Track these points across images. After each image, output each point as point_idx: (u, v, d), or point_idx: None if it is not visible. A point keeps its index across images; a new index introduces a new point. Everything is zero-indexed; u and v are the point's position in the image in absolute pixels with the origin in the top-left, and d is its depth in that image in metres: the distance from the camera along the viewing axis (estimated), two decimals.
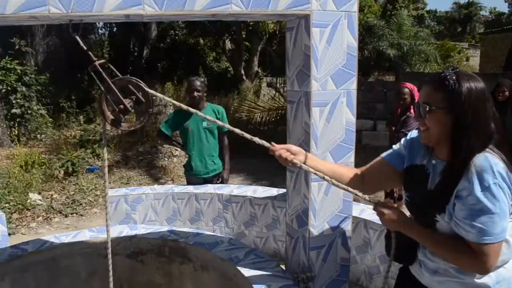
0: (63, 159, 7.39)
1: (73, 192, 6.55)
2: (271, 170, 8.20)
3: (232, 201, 3.99)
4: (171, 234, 2.73)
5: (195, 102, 4.19)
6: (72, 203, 6.16)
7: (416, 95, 4.76)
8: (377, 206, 1.66)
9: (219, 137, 4.36)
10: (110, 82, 1.62)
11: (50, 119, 10.86)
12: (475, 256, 1.45)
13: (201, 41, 18.41)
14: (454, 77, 1.48)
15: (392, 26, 15.50)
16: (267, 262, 2.33)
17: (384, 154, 1.83)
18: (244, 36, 16.09)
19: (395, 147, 1.82)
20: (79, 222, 5.64)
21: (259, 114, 9.93)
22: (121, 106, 1.63)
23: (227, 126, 1.88)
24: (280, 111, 9.57)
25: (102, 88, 1.65)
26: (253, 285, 2.09)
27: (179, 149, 8.31)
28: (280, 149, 1.78)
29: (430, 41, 17.07)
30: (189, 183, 4.37)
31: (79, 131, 9.75)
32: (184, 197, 4.02)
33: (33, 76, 10.59)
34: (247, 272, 2.23)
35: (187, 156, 4.43)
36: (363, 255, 3.30)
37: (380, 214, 1.64)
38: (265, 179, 7.45)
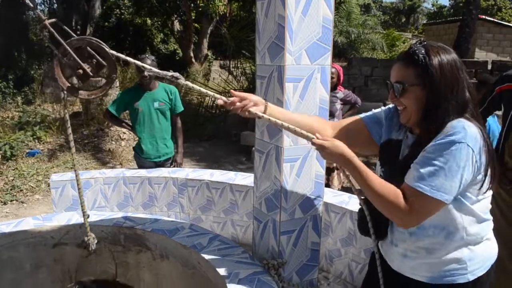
0: (0, 142, 6.86)
1: (12, 178, 6.09)
2: (224, 154, 8.09)
3: (188, 185, 3.82)
4: (126, 221, 2.53)
5: (146, 82, 3.95)
6: (11, 189, 5.72)
7: (342, 76, 4.92)
8: (315, 140, 1.56)
9: (171, 119, 4.15)
10: (64, 44, 1.40)
11: None
12: (401, 203, 1.40)
13: (149, 21, 17.79)
14: (423, 51, 1.43)
15: (342, 14, 15.68)
16: (233, 249, 2.19)
17: (363, 115, 1.75)
18: (193, 17, 15.67)
19: (375, 111, 1.75)
20: (20, 209, 5.24)
21: (210, 97, 9.69)
22: (80, 71, 1.41)
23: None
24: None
25: (56, 51, 1.42)
26: (220, 273, 1.96)
27: (127, 132, 7.99)
28: (235, 100, 1.61)
29: (377, 30, 17.47)
30: (140, 167, 4.14)
31: (17, 113, 9.11)
32: (136, 181, 3.79)
33: None
34: (212, 259, 2.09)
35: (136, 138, 4.19)
36: (323, 238, 3.25)
37: (320, 148, 1.54)
38: (217, 164, 7.30)
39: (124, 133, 7.96)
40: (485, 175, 1.43)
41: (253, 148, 6.44)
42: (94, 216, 2.60)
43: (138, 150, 4.11)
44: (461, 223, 1.45)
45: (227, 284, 1.86)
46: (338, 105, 4.81)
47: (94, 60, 1.42)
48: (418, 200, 1.37)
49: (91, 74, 1.42)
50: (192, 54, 15.83)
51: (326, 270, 3.43)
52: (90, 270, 2.45)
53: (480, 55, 15.93)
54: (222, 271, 1.97)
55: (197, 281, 2.21)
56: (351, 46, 15.66)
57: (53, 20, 1.41)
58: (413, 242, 1.53)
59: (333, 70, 4.78)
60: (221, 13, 15.21)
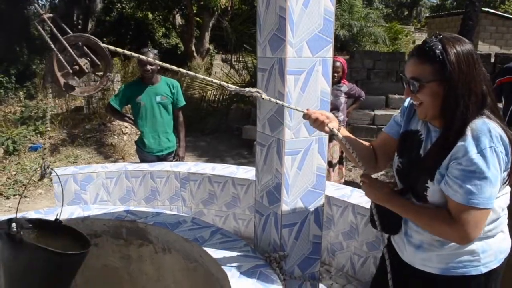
0: (2, 136, 6.87)
1: (14, 172, 6.10)
2: (226, 148, 8.09)
3: (190, 179, 3.82)
4: (128, 215, 2.53)
5: (148, 76, 3.94)
6: (14, 184, 5.73)
7: (346, 70, 4.95)
8: (362, 177, 1.62)
9: (173, 113, 4.14)
10: (61, 38, 1.39)
11: None
12: (455, 222, 1.39)
13: (150, 15, 17.75)
14: (439, 46, 1.39)
15: (344, 7, 15.57)
16: (234, 242, 2.19)
17: (385, 128, 1.78)
18: (195, 11, 15.62)
19: (394, 117, 1.77)
20: (23, 204, 5.26)
21: (212, 92, 9.69)
22: (76, 67, 1.41)
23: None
24: None
25: (53, 46, 1.42)
26: (222, 267, 1.96)
27: (129, 126, 7.98)
28: (315, 113, 1.69)
29: (380, 23, 17.36)
30: (142, 161, 4.14)
31: (19, 108, 9.12)
32: (138, 175, 3.80)
33: None
34: (214, 252, 2.09)
35: (138, 133, 4.19)
36: (325, 231, 3.25)
37: (364, 186, 1.60)
38: (219, 158, 7.30)
39: (126, 127, 7.97)
40: (510, 173, 1.43)
41: (255, 142, 6.44)
42: (96, 210, 2.61)
43: (140, 144, 4.11)
44: None
45: (229, 277, 1.86)
46: (343, 99, 4.80)
47: (89, 58, 1.42)
48: (471, 215, 1.37)
49: (86, 70, 1.42)
50: (193, 48, 15.80)
51: (328, 263, 3.44)
52: (92, 264, 2.45)
53: (483, 48, 15.85)
54: (224, 264, 1.97)
55: (199, 274, 2.22)
56: (353, 39, 15.57)
57: (51, 15, 1.40)
58: (430, 235, 1.53)
59: (338, 64, 4.77)
60: (223, 7, 15.15)
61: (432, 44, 1.41)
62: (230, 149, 7.95)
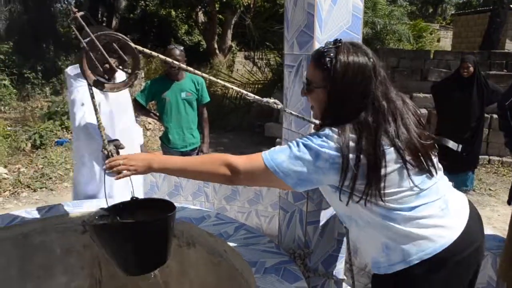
0: (30, 131, 7.04)
1: (41, 166, 6.24)
2: (248, 145, 8.10)
3: None
4: None
5: (173, 72, 3.98)
6: (41, 177, 5.87)
7: None
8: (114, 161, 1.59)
9: (198, 109, 4.17)
10: (93, 37, 1.41)
11: (14, 90, 10.33)
12: (232, 160, 1.48)
13: (173, 13, 17.88)
14: (332, 53, 1.40)
15: (367, 4, 15.40)
16: (259, 238, 2.20)
17: None
18: (217, 8, 15.67)
19: None
20: (49, 196, 5.38)
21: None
22: (106, 66, 1.43)
23: None
24: (256, 85, 9.39)
25: (84, 44, 1.44)
26: (246, 262, 1.96)
27: (152, 122, 8.07)
28: None
29: (404, 20, 17.10)
30: None
31: (46, 103, 9.32)
32: None
33: None
34: (238, 248, 2.10)
35: (162, 129, 4.24)
36: None
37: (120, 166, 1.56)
38: (242, 154, 7.32)
39: (150, 123, 8.06)
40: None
41: (277, 140, 6.42)
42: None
43: (164, 140, 4.16)
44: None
45: (253, 273, 1.87)
46: None
47: (117, 55, 1.45)
48: (254, 163, 1.48)
49: (116, 69, 1.45)
50: (216, 46, 15.85)
51: (350, 262, 3.41)
52: None
53: (511, 46, 15.47)
54: (248, 259, 1.98)
55: (223, 269, 2.23)
56: (377, 37, 15.38)
57: (82, 13, 1.43)
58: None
59: None
60: (245, 4, 15.16)
61: (326, 50, 1.43)
62: (252, 146, 7.98)
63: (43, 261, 2.38)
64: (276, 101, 1.72)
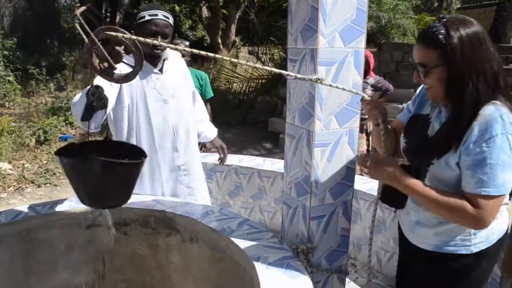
0: (34, 127, 7.06)
1: (46, 161, 6.26)
2: (252, 140, 8.09)
3: (216, 170, 3.84)
4: (157, 204, 2.56)
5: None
6: (45, 173, 5.89)
7: (371, 62, 4.84)
8: (364, 158, 1.61)
9: None
10: (92, 35, 1.41)
11: (19, 86, 10.36)
12: (471, 210, 1.39)
13: (177, 8, 17.82)
14: (442, 30, 1.39)
15: None
16: (262, 233, 2.19)
17: (398, 115, 1.82)
18: (221, 3, 15.62)
19: (405, 105, 1.79)
20: (53, 192, 5.39)
21: (238, 84, 9.69)
22: (107, 63, 1.43)
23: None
24: (260, 81, 9.36)
25: (94, 37, 1.43)
26: (249, 257, 1.96)
27: None
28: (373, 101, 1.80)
29: (409, 14, 16.99)
30: None
31: (50, 99, 9.34)
32: None
33: None
34: (241, 243, 2.09)
35: None
36: (352, 225, 3.22)
37: (368, 165, 1.58)
38: (244, 149, 7.31)
39: None
40: None
41: (281, 135, 6.39)
42: None
43: None
44: None
45: (257, 268, 1.86)
46: (369, 91, 4.71)
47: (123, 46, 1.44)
48: (485, 203, 1.37)
49: (115, 67, 1.44)
50: (220, 41, 15.81)
51: (353, 257, 3.41)
52: (121, 251, 2.50)
53: None
54: (251, 255, 1.98)
55: (226, 264, 2.23)
56: (381, 31, 15.30)
57: (83, 8, 1.42)
58: (424, 212, 1.58)
59: None
60: None
61: (435, 29, 1.42)
62: (255, 141, 7.96)
63: (47, 256, 2.39)
64: (320, 77, 1.67)
